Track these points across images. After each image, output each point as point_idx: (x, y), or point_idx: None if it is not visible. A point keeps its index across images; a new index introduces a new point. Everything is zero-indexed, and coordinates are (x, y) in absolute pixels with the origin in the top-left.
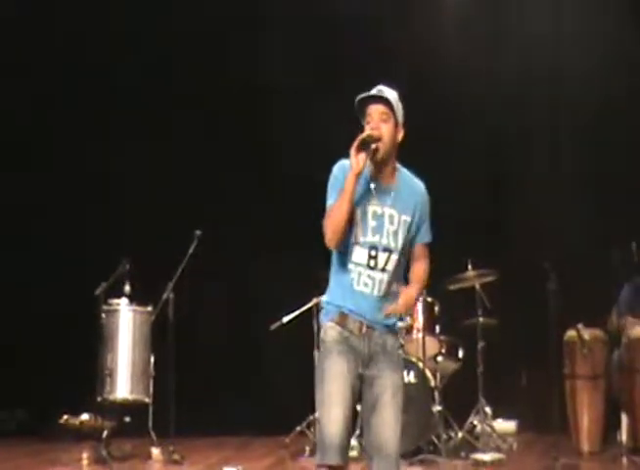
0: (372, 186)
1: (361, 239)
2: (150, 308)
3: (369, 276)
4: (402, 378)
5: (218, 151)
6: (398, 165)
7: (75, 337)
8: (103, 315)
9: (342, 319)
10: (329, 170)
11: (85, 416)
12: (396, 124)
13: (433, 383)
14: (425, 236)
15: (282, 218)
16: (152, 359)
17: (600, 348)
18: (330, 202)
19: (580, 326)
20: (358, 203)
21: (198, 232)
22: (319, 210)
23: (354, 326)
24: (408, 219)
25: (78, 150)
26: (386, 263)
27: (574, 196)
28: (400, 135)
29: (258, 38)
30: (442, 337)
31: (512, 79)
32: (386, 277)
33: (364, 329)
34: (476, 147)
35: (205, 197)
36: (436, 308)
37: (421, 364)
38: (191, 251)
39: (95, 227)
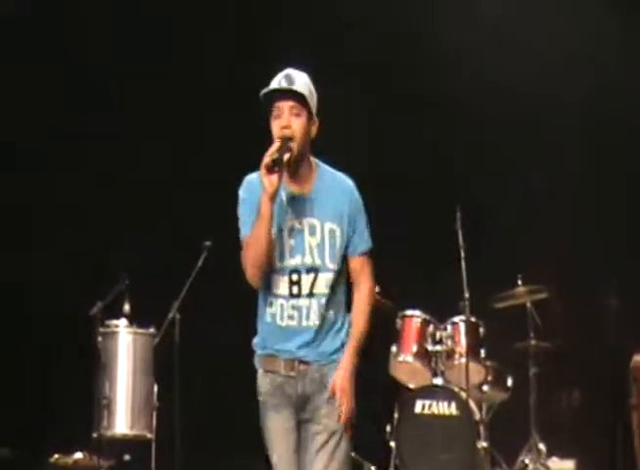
0: (282, 196)
1: (278, 264)
2: (152, 330)
3: (293, 307)
4: (337, 418)
5: (229, 154)
6: (316, 162)
7: (67, 363)
8: (99, 338)
9: (271, 363)
10: None
11: (79, 455)
12: (310, 117)
13: (477, 416)
14: (360, 244)
15: None
16: (155, 389)
17: None
18: (244, 232)
19: None
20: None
21: (207, 243)
22: None
23: (286, 368)
24: (335, 227)
25: (76, 152)
26: (312, 287)
27: None
28: (315, 128)
29: None
30: (488, 363)
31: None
32: (315, 304)
33: (297, 368)
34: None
35: (215, 204)
36: (481, 330)
37: (464, 394)
38: (199, 264)
39: (89, 238)
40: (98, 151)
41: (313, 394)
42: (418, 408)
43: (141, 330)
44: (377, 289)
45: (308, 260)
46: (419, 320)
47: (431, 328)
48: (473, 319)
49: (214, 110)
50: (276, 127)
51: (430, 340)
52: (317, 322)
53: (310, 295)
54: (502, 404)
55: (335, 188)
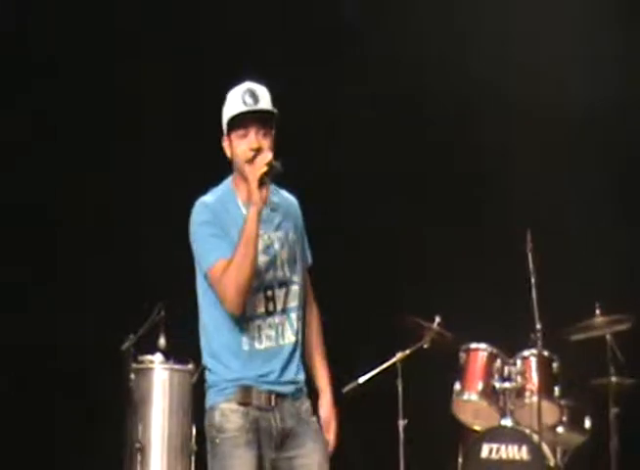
0: (244, 213)
1: (254, 283)
2: (191, 367)
3: (270, 325)
4: (325, 448)
5: None
6: None
7: (96, 403)
8: (132, 376)
9: (245, 395)
10: None
11: None
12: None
13: (552, 461)
14: (308, 257)
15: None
16: (193, 431)
17: None
18: (216, 257)
19: None
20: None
21: None
22: None
23: (262, 400)
24: (296, 237)
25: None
26: (285, 302)
27: None
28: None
29: None
30: (563, 401)
31: None
32: (287, 320)
33: (274, 401)
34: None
35: None
36: (555, 365)
37: (536, 437)
38: None
39: (121, 264)
40: (125, 169)
41: (292, 429)
42: (485, 453)
43: (178, 366)
44: (438, 319)
45: (280, 274)
46: (485, 354)
47: (498, 363)
48: (545, 353)
49: None
50: (243, 147)
51: (497, 376)
52: (292, 339)
53: (283, 311)
54: (579, 448)
55: (287, 200)
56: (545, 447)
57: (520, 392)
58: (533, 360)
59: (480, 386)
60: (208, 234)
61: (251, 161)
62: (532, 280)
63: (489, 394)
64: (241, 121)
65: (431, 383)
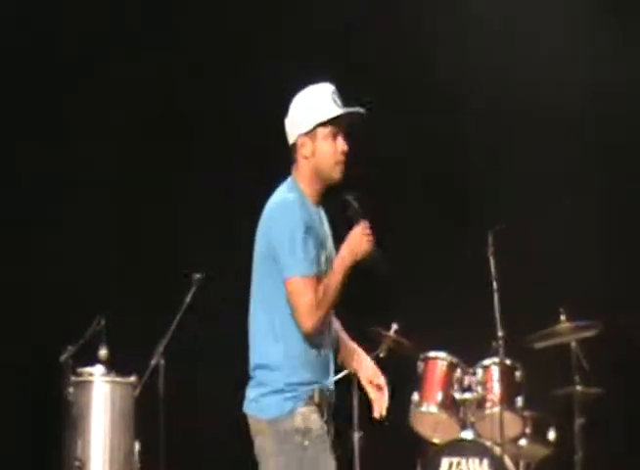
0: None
1: None
2: (133, 379)
3: (328, 333)
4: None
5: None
6: None
7: (33, 418)
8: (70, 389)
9: (322, 399)
10: None
11: None
12: None
13: None
14: None
15: None
16: (136, 447)
17: None
18: (307, 269)
19: None
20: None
21: (197, 276)
22: None
23: (328, 405)
24: None
25: (44, 180)
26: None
27: None
28: None
29: None
30: (526, 412)
31: None
32: (330, 326)
33: (332, 403)
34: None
35: (206, 233)
36: (518, 374)
37: (498, 450)
38: (188, 301)
39: (59, 271)
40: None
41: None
42: (444, 467)
43: (120, 379)
44: (395, 327)
45: None
46: (444, 363)
47: (458, 373)
48: (508, 362)
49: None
50: (335, 148)
51: (457, 386)
52: (333, 346)
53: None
54: (543, 461)
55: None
56: (507, 461)
57: (481, 403)
58: (495, 370)
59: (439, 397)
60: (309, 243)
61: (339, 163)
62: (494, 285)
63: (449, 405)
64: (336, 122)
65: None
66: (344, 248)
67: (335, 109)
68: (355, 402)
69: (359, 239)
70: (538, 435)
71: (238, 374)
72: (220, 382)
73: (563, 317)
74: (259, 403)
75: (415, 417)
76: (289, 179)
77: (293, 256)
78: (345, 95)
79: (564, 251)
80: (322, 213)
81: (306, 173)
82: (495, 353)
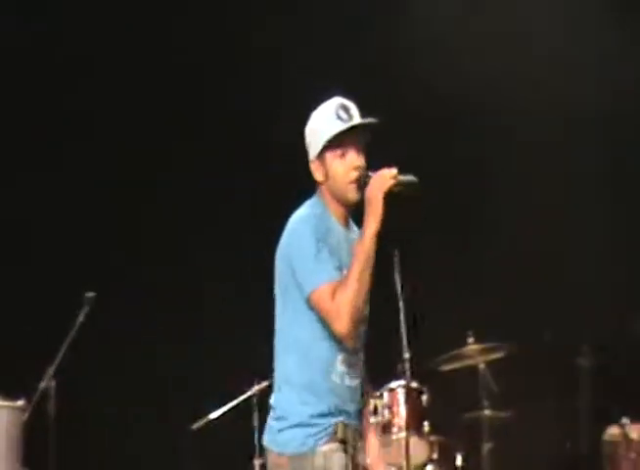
0: (344, 232)
1: None
2: (22, 403)
3: (354, 363)
4: None
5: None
6: None
7: None
8: None
9: (344, 433)
10: None
11: None
12: None
13: None
14: None
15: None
16: None
17: None
18: (325, 279)
19: (625, 421)
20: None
21: (90, 294)
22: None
23: (354, 438)
24: None
25: None
26: (360, 337)
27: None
28: None
29: None
30: (433, 437)
31: None
32: (360, 357)
33: (358, 437)
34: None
35: (100, 248)
36: (425, 398)
37: None
38: (80, 320)
39: None
40: None
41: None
42: None
43: (6, 403)
44: None
45: (365, 311)
46: None
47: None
48: (414, 385)
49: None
50: (345, 167)
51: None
52: (362, 376)
53: (359, 347)
54: None
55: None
56: None
57: (386, 427)
58: (401, 393)
59: None
60: (324, 254)
61: (356, 180)
62: (400, 304)
63: None
64: (340, 139)
65: None
66: (366, 216)
67: (336, 126)
68: (256, 426)
69: (379, 179)
70: (446, 460)
71: (132, 395)
72: (118, 404)
73: (470, 339)
74: (279, 437)
75: None
76: (313, 197)
77: (307, 269)
78: (358, 101)
79: (473, 273)
80: (353, 235)
81: (326, 196)
82: (401, 376)
